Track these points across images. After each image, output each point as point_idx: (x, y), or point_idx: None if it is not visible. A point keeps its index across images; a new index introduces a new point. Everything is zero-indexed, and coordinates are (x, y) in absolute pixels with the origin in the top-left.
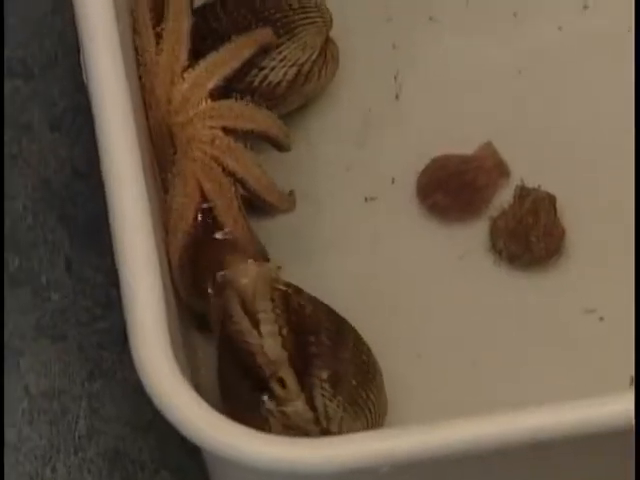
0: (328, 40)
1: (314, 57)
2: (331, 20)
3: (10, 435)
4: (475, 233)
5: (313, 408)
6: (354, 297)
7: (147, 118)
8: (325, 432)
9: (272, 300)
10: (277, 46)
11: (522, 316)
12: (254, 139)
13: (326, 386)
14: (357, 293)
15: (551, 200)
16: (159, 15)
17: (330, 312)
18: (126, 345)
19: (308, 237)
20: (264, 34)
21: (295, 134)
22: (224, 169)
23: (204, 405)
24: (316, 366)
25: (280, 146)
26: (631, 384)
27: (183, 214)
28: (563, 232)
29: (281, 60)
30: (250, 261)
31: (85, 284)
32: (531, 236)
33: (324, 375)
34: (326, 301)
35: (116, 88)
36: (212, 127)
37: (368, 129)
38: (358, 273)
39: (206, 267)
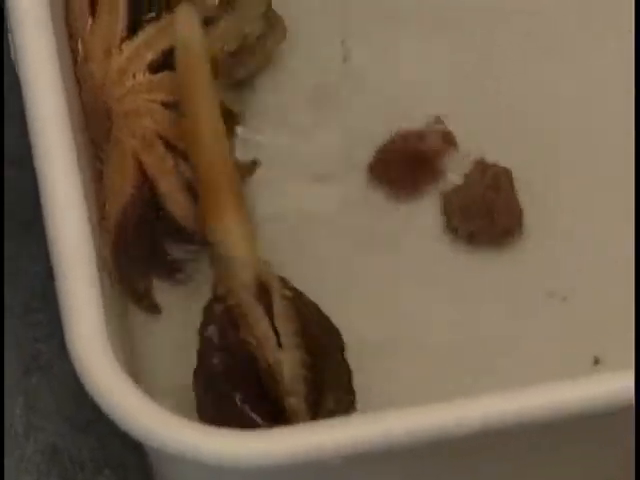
0: (270, 11)
1: (257, 28)
2: None
3: None
4: (425, 209)
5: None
6: (311, 280)
7: (80, 94)
8: None
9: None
10: (217, 18)
11: (480, 298)
12: None
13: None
14: (313, 275)
15: (509, 175)
16: None
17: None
18: (64, 338)
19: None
20: (207, 5)
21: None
22: (166, 143)
23: (146, 399)
24: (327, 392)
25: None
26: (595, 364)
27: (120, 191)
28: (520, 209)
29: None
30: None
31: (21, 275)
32: (493, 213)
33: (331, 405)
34: None
35: (45, 65)
36: (152, 100)
37: (317, 103)
38: (313, 254)
39: (144, 247)
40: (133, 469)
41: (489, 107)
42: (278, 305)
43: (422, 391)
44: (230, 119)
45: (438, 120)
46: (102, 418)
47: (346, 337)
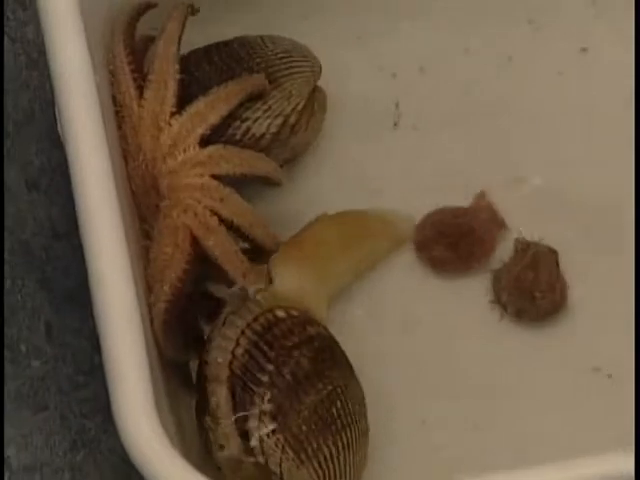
0: (316, 89)
1: (300, 107)
2: (320, 69)
3: None
4: (477, 286)
5: (244, 436)
6: (354, 353)
7: (127, 169)
8: (263, 468)
9: (255, 319)
10: (261, 97)
11: (527, 374)
12: (246, 181)
13: (265, 419)
14: (358, 350)
15: (552, 254)
16: (139, 62)
17: (324, 348)
18: (110, 413)
19: None
20: (256, 80)
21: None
22: (219, 217)
23: (193, 473)
24: (261, 397)
25: (272, 183)
26: None
27: (172, 265)
28: (566, 286)
29: (265, 111)
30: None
31: (66, 350)
32: (535, 291)
33: (267, 408)
34: None
35: (93, 142)
36: (203, 175)
37: (360, 182)
38: (360, 328)
39: (189, 322)
40: None
41: (535, 185)
42: None
43: (474, 467)
44: (270, 184)
45: (483, 197)
46: None
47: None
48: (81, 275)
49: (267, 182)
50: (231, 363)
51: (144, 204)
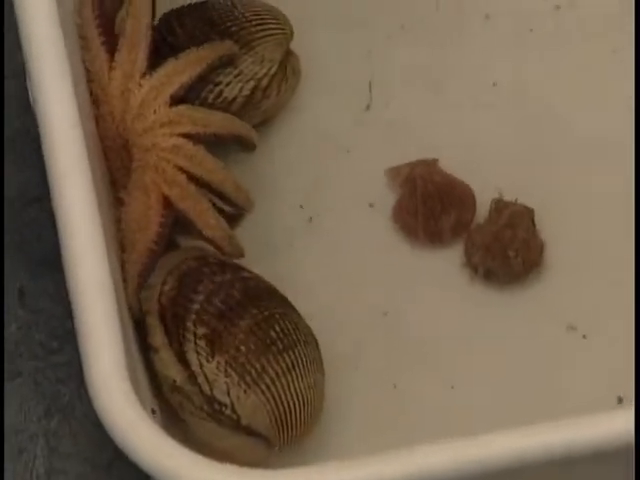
0: (288, 53)
1: (273, 71)
2: (292, 32)
3: None
4: (447, 249)
5: (184, 362)
6: (324, 319)
7: (100, 135)
8: (211, 400)
9: (176, 267)
10: (233, 60)
11: (501, 335)
12: (217, 143)
13: (201, 343)
14: (327, 316)
15: (529, 213)
16: (110, 24)
17: (256, 286)
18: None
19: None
20: (226, 45)
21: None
22: (188, 175)
23: (169, 441)
24: (193, 322)
25: (245, 145)
26: (619, 403)
27: (146, 226)
28: (542, 246)
29: (237, 75)
30: None
31: (40, 315)
32: (509, 250)
33: (200, 332)
34: None
35: (63, 106)
36: (172, 134)
37: (334, 148)
38: (328, 298)
39: None
40: None
41: (514, 147)
42: None
43: (451, 428)
44: (243, 146)
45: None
46: (123, 458)
47: (361, 386)
48: (55, 240)
49: (241, 143)
50: (160, 297)
51: (116, 167)
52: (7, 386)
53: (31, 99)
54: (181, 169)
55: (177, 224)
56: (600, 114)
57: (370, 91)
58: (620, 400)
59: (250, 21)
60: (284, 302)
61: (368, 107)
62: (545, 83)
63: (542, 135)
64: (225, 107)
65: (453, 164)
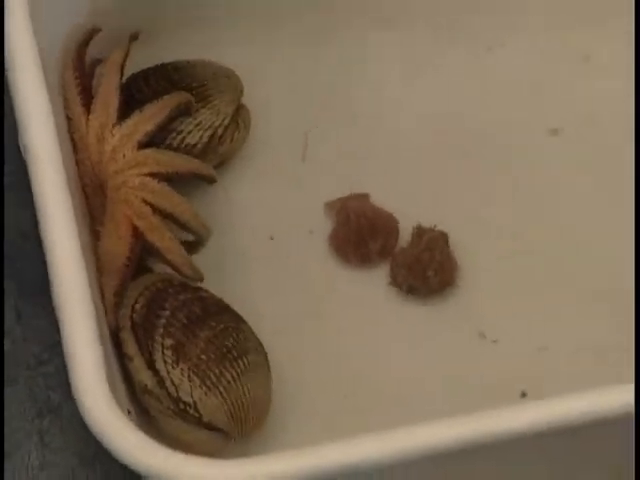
0: (240, 107)
1: (226, 122)
2: (242, 90)
3: None
4: (376, 269)
5: (154, 369)
6: (269, 329)
7: (80, 176)
8: (177, 401)
9: (146, 288)
10: (194, 112)
11: (422, 341)
12: (181, 180)
13: (168, 353)
14: (272, 326)
15: (444, 238)
16: (89, 82)
17: (213, 303)
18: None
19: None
20: (182, 95)
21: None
22: (153, 208)
23: (142, 436)
24: (161, 335)
25: (206, 179)
26: (521, 397)
27: (117, 254)
28: (456, 265)
29: (197, 125)
30: None
31: (33, 331)
32: (428, 270)
33: (167, 343)
34: None
35: (49, 154)
36: (140, 174)
37: (280, 184)
38: (274, 311)
39: None
40: None
41: (429, 182)
42: None
43: (380, 413)
44: (204, 180)
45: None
46: (105, 452)
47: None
48: (45, 269)
49: (203, 179)
50: (132, 314)
51: (94, 205)
52: (6, 391)
53: (20, 146)
54: (148, 203)
55: (146, 251)
56: (509, 149)
57: (307, 138)
58: (523, 394)
59: (207, 79)
60: (236, 317)
61: (305, 152)
62: (462, 125)
63: (455, 170)
64: (188, 151)
65: (380, 197)
